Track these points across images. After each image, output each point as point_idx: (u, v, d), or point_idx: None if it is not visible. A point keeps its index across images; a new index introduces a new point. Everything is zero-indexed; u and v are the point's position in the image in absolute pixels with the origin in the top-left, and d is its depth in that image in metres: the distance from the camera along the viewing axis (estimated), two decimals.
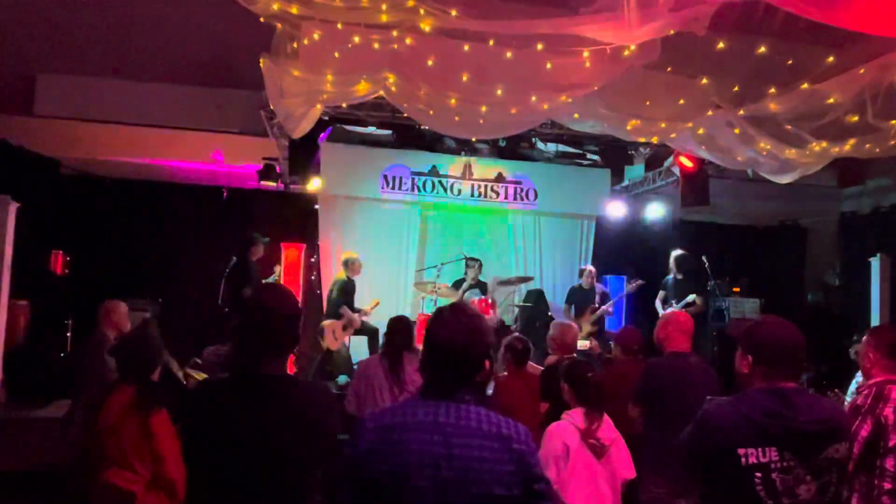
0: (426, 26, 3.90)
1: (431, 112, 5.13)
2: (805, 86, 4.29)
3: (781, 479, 1.99)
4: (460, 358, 1.79)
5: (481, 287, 7.93)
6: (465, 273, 8.03)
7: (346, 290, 7.27)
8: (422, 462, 1.68)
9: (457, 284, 8.03)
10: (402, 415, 1.76)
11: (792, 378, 2.09)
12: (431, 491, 1.67)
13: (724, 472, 2.06)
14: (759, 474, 1.99)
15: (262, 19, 4.01)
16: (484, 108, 4.98)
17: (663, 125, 5.28)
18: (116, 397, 3.02)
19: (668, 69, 4.44)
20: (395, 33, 4.10)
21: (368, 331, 7.35)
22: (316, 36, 4.19)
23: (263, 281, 7.27)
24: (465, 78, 4.49)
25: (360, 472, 1.73)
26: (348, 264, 7.37)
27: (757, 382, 2.13)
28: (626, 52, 3.98)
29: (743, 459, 2.00)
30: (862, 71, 4.00)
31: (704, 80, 4.64)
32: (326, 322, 7.13)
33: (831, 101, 4.29)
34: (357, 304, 7.41)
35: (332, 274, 8.33)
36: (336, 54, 4.31)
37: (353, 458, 1.75)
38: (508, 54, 4.24)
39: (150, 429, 2.88)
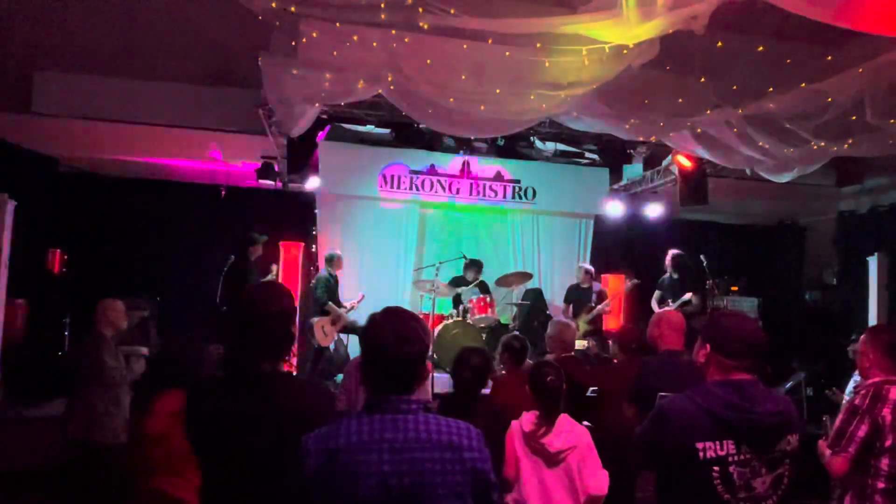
0: (425, 25, 3.89)
1: (430, 111, 5.12)
2: (804, 85, 4.29)
3: (739, 472, 1.99)
4: (398, 366, 1.72)
5: (481, 286, 7.93)
6: (465, 273, 8.03)
7: (330, 287, 7.28)
8: (370, 483, 1.61)
9: (455, 282, 8.04)
10: (346, 435, 1.67)
11: (747, 371, 2.09)
12: None
13: (680, 466, 2.04)
14: (716, 468, 1.98)
15: (260, 17, 4.00)
16: (483, 107, 4.97)
17: (662, 124, 5.28)
18: (163, 402, 2.93)
19: (667, 68, 4.44)
20: (393, 32, 4.10)
21: (359, 330, 7.34)
22: (314, 34, 4.18)
23: (262, 280, 7.26)
24: (463, 77, 4.48)
25: (307, 499, 1.65)
26: (331, 261, 7.40)
27: (712, 373, 2.13)
28: (625, 51, 3.97)
29: (701, 454, 1.99)
30: (861, 70, 4.00)
31: (703, 79, 4.63)
32: (315, 319, 7.14)
33: (830, 100, 4.29)
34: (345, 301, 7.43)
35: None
36: (334, 53, 4.30)
37: (299, 485, 1.66)
38: (507, 53, 4.23)
39: None
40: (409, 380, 1.73)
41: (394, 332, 1.72)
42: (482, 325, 7.65)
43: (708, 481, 1.98)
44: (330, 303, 7.18)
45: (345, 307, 7.30)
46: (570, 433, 3.02)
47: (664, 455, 2.13)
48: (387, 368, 1.72)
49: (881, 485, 2.81)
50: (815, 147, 5.09)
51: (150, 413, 2.95)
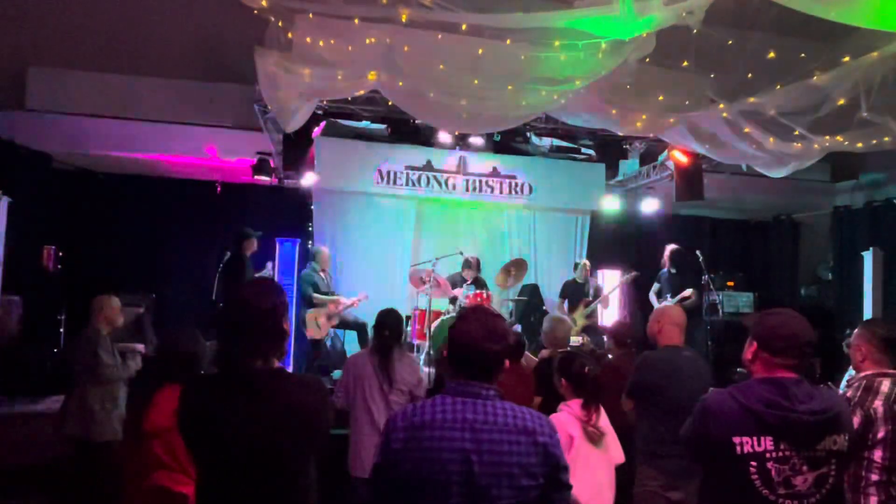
0: (420, 20, 3.88)
1: (426, 106, 5.12)
2: (799, 80, 4.29)
3: (777, 468, 1.99)
4: (482, 356, 1.88)
5: (478, 282, 7.93)
6: (462, 269, 8.03)
7: (314, 282, 7.23)
8: (453, 458, 1.76)
9: (452, 279, 8.03)
10: (430, 413, 1.84)
11: (793, 370, 2.09)
12: (464, 485, 1.75)
13: (720, 460, 2.07)
14: (753, 463, 2.00)
15: (255, 12, 3.98)
16: (479, 103, 4.96)
17: (658, 119, 5.29)
18: (165, 397, 2.89)
19: (663, 63, 4.44)
20: (389, 27, 4.08)
21: (357, 325, 7.34)
22: (309, 29, 4.17)
23: (256, 276, 7.25)
24: (459, 72, 4.47)
25: (394, 471, 1.82)
26: (314, 256, 7.39)
27: (758, 370, 2.14)
28: (621, 46, 3.97)
29: (738, 448, 2.00)
30: (856, 65, 4.00)
31: (699, 75, 4.63)
32: (309, 312, 7.11)
33: (825, 95, 4.30)
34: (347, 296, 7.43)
35: (326, 269, 8.32)
36: (330, 48, 4.29)
37: (385, 458, 1.84)
38: (504, 48, 4.22)
39: None
40: (490, 371, 1.90)
41: (481, 328, 1.89)
42: None
43: (746, 476, 2.00)
44: (316, 294, 7.14)
45: (340, 301, 7.27)
46: (603, 412, 3.23)
47: (705, 449, 2.16)
48: (472, 359, 1.89)
49: (875, 477, 2.83)
50: (811, 142, 5.10)
51: (150, 408, 2.93)
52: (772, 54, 4.17)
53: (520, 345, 4.36)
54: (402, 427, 1.84)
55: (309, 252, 7.51)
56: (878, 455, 2.83)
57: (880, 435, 2.83)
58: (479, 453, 1.76)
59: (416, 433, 1.81)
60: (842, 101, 4.30)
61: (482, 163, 8.53)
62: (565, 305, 8.09)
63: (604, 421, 3.20)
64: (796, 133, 4.94)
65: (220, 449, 1.85)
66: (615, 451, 3.23)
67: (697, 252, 7.96)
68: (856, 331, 3.17)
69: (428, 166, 8.37)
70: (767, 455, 2.00)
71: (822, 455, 2.03)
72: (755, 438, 2.00)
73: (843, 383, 4.91)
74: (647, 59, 4.18)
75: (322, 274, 7.37)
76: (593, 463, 3.08)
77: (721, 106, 4.92)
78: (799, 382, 2.08)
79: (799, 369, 2.11)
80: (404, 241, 8.56)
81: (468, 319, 1.94)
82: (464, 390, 1.87)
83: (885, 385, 2.90)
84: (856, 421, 2.85)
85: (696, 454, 2.27)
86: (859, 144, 5.01)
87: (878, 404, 2.85)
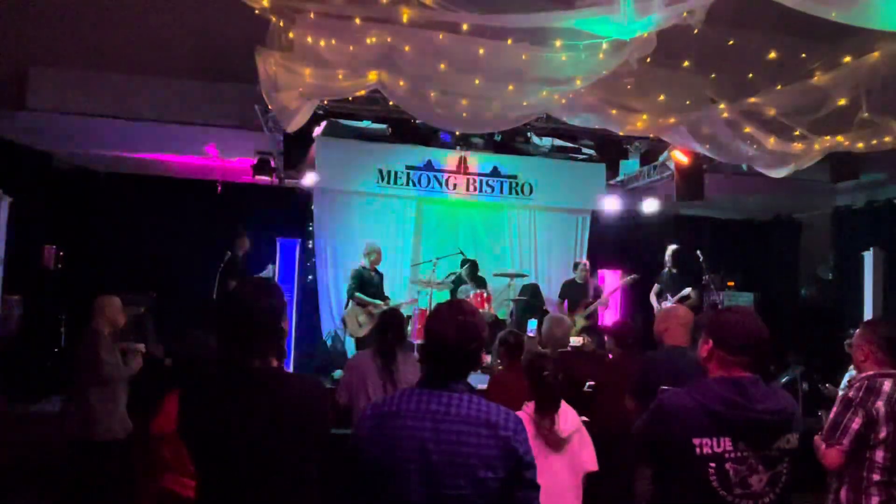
0: (422, 19, 3.88)
1: (426, 106, 5.12)
2: (800, 80, 4.29)
3: (735, 469, 1.99)
4: (454, 352, 1.91)
5: (478, 282, 7.93)
6: (461, 269, 8.04)
7: (361, 278, 7.24)
8: (412, 447, 1.81)
9: (454, 282, 8.04)
10: (397, 403, 1.90)
11: (749, 369, 2.08)
12: (422, 473, 1.80)
13: (677, 461, 2.05)
14: (713, 464, 1.98)
15: (256, 12, 3.98)
16: (479, 102, 4.96)
17: (658, 119, 5.28)
18: (172, 402, 2.89)
19: (664, 63, 4.44)
20: (390, 26, 4.08)
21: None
22: (310, 29, 4.17)
23: (255, 276, 7.25)
24: (459, 72, 4.47)
25: (358, 458, 1.89)
26: (365, 253, 7.39)
27: (714, 369, 2.14)
28: (622, 46, 3.97)
29: (697, 450, 1.99)
30: (857, 65, 4.00)
31: (699, 75, 4.63)
32: (348, 310, 7.17)
33: (826, 95, 4.30)
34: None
35: (327, 268, 8.34)
36: (331, 48, 4.28)
37: (352, 446, 1.92)
38: (504, 48, 4.22)
39: None
40: (463, 366, 1.93)
41: (456, 321, 1.92)
42: None
43: (704, 477, 1.98)
44: (358, 294, 7.13)
45: (380, 304, 7.16)
46: (572, 417, 3.15)
47: (661, 449, 2.14)
48: (445, 355, 1.92)
49: (876, 477, 2.83)
50: (811, 142, 5.10)
51: (158, 412, 2.94)
52: (773, 54, 4.16)
53: (518, 344, 4.36)
54: (370, 416, 1.92)
55: (315, 249, 7.47)
56: (879, 455, 2.83)
57: (882, 435, 2.83)
58: (436, 443, 1.80)
59: (381, 422, 1.88)
60: (842, 102, 4.30)
61: (483, 163, 8.54)
62: (565, 306, 8.09)
63: (569, 426, 3.10)
64: (797, 133, 4.94)
65: (219, 449, 1.85)
66: (586, 458, 3.13)
67: (698, 252, 7.97)
68: (858, 331, 3.17)
69: (428, 166, 8.37)
70: (726, 456, 1.98)
71: (777, 454, 2.02)
72: (715, 440, 1.99)
73: (844, 383, 4.91)
74: (648, 60, 4.17)
75: (373, 273, 7.35)
76: (553, 468, 3.00)
77: (722, 106, 4.91)
78: (755, 382, 2.07)
79: (755, 368, 2.10)
80: (405, 241, 8.57)
81: (442, 315, 1.96)
82: (434, 384, 1.91)
83: (888, 385, 2.90)
84: (858, 422, 2.85)
85: (651, 454, 2.25)
86: (860, 145, 5.01)
87: (881, 405, 2.85)
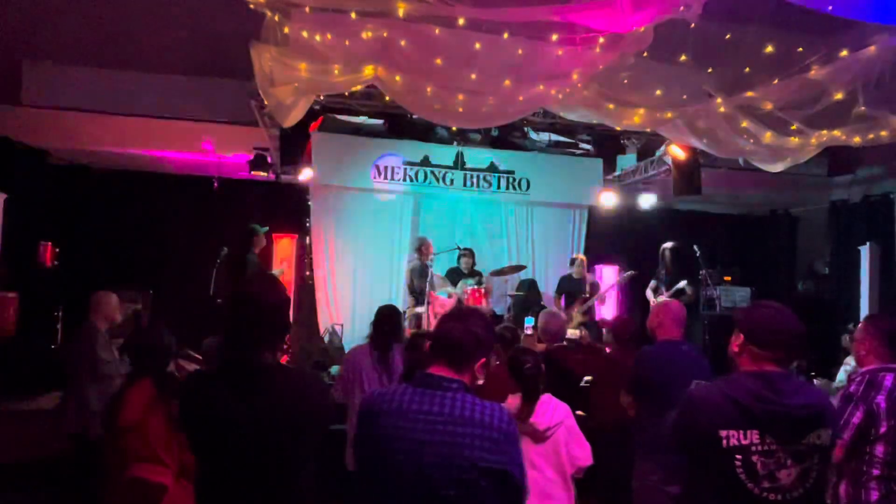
0: (418, 13, 3.86)
1: (422, 101, 5.10)
2: (797, 74, 4.29)
3: (762, 462, 1.99)
4: (454, 351, 1.93)
5: (476, 276, 7.93)
6: (459, 262, 8.03)
7: (421, 273, 7.35)
8: (403, 447, 1.81)
9: (451, 274, 8.03)
10: (388, 402, 1.89)
11: (781, 363, 2.09)
12: (413, 473, 1.79)
13: (705, 453, 2.07)
14: (739, 457, 2.00)
15: (251, 6, 3.96)
16: (476, 97, 4.95)
17: (655, 114, 5.27)
18: (136, 392, 3.00)
19: (661, 58, 4.42)
20: (385, 21, 4.06)
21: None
22: (306, 24, 4.15)
23: (264, 272, 7.20)
24: (455, 66, 4.45)
25: (358, 453, 1.91)
26: (417, 248, 7.53)
27: (745, 364, 2.14)
28: (619, 40, 3.96)
29: (724, 441, 2.00)
30: (854, 59, 4.00)
31: (696, 69, 4.62)
32: (407, 309, 7.30)
33: (823, 89, 4.29)
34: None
35: (324, 264, 8.32)
36: (326, 42, 4.27)
37: (355, 440, 1.96)
38: (501, 42, 4.21)
39: (176, 417, 2.87)
40: (461, 363, 1.93)
41: (459, 321, 1.97)
42: None
43: (730, 469, 2.00)
44: (428, 290, 7.19)
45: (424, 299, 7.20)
46: (555, 410, 3.13)
47: (689, 441, 2.16)
48: (443, 349, 1.95)
49: (876, 471, 2.83)
50: (808, 136, 5.10)
51: (124, 403, 2.98)
52: (769, 48, 4.15)
53: (514, 340, 4.37)
54: (364, 413, 1.92)
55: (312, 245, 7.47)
56: (879, 450, 2.84)
57: (882, 430, 2.83)
58: (430, 444, 1.79)
59: (374, 420, 1.87)
60: (839, 96, 4.30)
61: (480, 158, 8.52)
62: (562, 301, 8.10)
63: (550, 418, 3.10)
64: (794, 127, 4.94)
65: (219, 443, 1.86)
66: (577, 453, 3.11)
67: (695, 247, 7.97)
68: (860, 325, 3.17)
69: (425, 161, 8.35)
70: (753, 448, 1.99)
71: (807, 449, 2.03)
72: (741, 432, 2.00)
73: (840, 375, 4.93)
74: (645, 54, 4.16)
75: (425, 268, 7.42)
76: (531, 460, 2.98)
77: (718, 100, 4.91)
78: (786, 376, 2.07)
79: (786, 363, 2.10)
80: (402, 237, 8.55)
81: (449, 315, 2.03)
82: (427, 381, 1.90)
83: (889, 380, 2.90)
84: (858, 416, 2.85)
85: (682, 445, 2.27)
86: (857, 139, 5.01)
87: (881, 399, 2.85)
